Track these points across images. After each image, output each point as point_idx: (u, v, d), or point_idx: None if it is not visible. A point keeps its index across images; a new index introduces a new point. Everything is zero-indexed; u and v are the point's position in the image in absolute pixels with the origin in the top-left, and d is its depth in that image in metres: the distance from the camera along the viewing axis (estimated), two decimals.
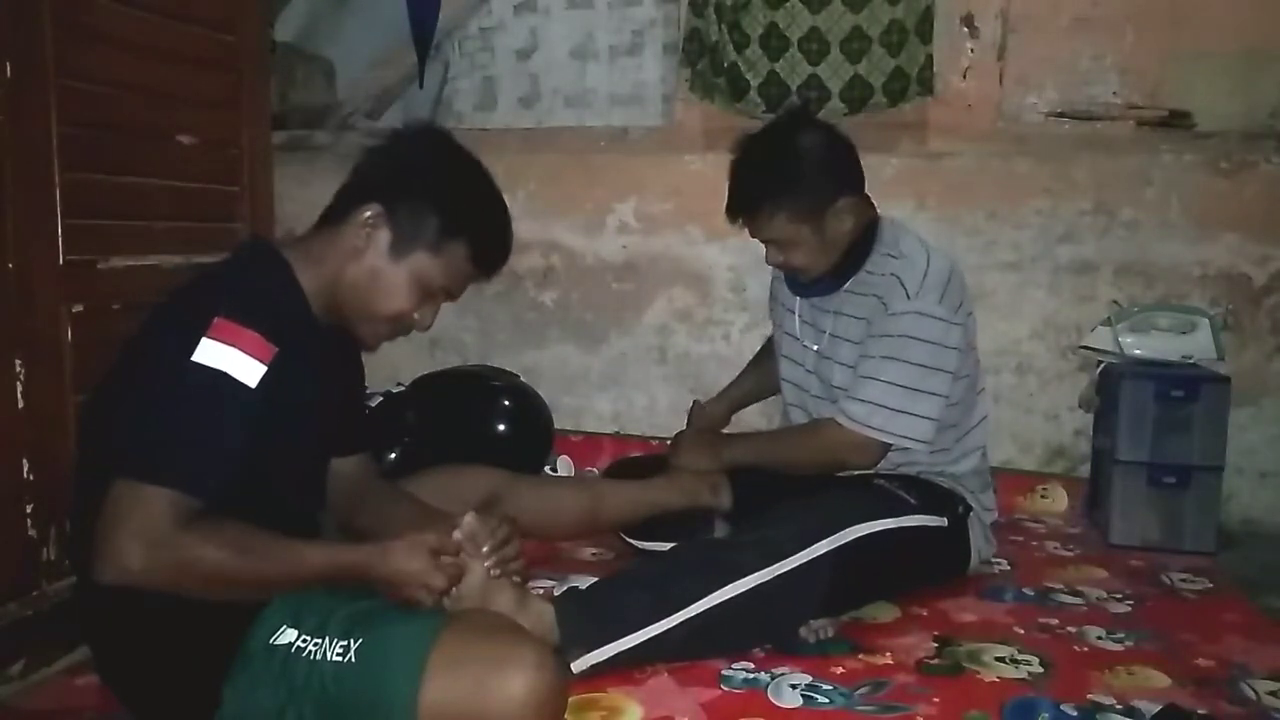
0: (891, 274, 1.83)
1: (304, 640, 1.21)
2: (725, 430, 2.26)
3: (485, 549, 1.40)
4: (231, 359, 1.18)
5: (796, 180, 1.80)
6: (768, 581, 1.59)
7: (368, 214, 1.31)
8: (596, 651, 1.50)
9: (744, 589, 1.57)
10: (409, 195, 1.32)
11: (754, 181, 1.83)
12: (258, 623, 1.23)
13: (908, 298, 1.80)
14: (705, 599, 1.55)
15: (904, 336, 1.79)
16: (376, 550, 1.28)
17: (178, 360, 1.17)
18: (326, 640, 1.21)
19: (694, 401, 2.26)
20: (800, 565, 1.62)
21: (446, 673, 1.17)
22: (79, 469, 1.30)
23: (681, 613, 1.53)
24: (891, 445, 1.83)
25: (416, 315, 1.37)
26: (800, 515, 1.71)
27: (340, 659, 1.19)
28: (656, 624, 1.52)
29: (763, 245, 1.91)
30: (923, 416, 1.80)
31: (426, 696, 1.16)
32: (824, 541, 1.65)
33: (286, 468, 1.33)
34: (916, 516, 1.80)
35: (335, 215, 1.35)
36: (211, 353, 1.17)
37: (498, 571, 1.41)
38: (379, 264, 1.32)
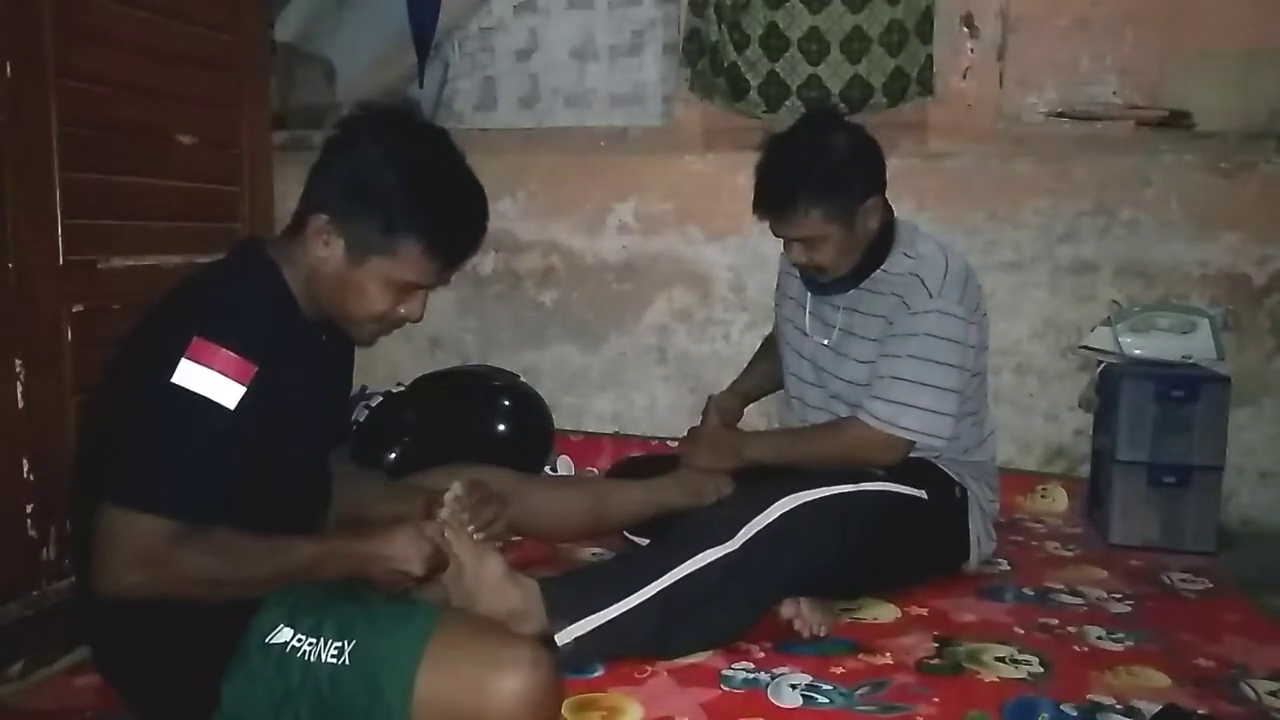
0: (912, 273, 1.86)
1: (299, 640, 1.22)
2: (738, 425, 2.25)
3: (468, 516, 1.44)
4: (209, 381, 1.18)
5: (831, 178, 1.81)
6: (733, 551, 1.61)
7: (319, 225, 1.28)
8: (580, 623, 1.52)
9: (711, 559, 1.60)
10: (352, 200, 1.27)
11: (788, 179, 1.82)
12: (253, 621, 1.24)
13: (930, 297, 1.82)
14: (676, 569, 1.58)
15: (928, 335, 1.81)
16: (369, 542, 1.30)
17: (159, 381, 1.18)
18: (321, 641, 1.21)
19: (709, 397, 2.24)
20: (760, 531, 1.63)
21: (441, 673, 1.18)
22: (77, 470, 1.31)
23: (655, 583, 1.56)
24: (916, 444, 1.83)
25: (403, 310, 1.34)
26: (761, 485, 1.74)
27: (335, 661, 1.20)
28: (632, 595, 1.55)
29: (781, 243, 1.91)
30: (946, 414, 1.82)
31: (421, 698, 1.17)
32: (778, 504, 1.67)
33: (288, 468, 1.34)
34: (883, 483, 1.80)
35: (298, 219, 1.32)
36: (189, 375, 1.18)
37: (482, 535, 1.46)
38: (342, 271, 1.29)
